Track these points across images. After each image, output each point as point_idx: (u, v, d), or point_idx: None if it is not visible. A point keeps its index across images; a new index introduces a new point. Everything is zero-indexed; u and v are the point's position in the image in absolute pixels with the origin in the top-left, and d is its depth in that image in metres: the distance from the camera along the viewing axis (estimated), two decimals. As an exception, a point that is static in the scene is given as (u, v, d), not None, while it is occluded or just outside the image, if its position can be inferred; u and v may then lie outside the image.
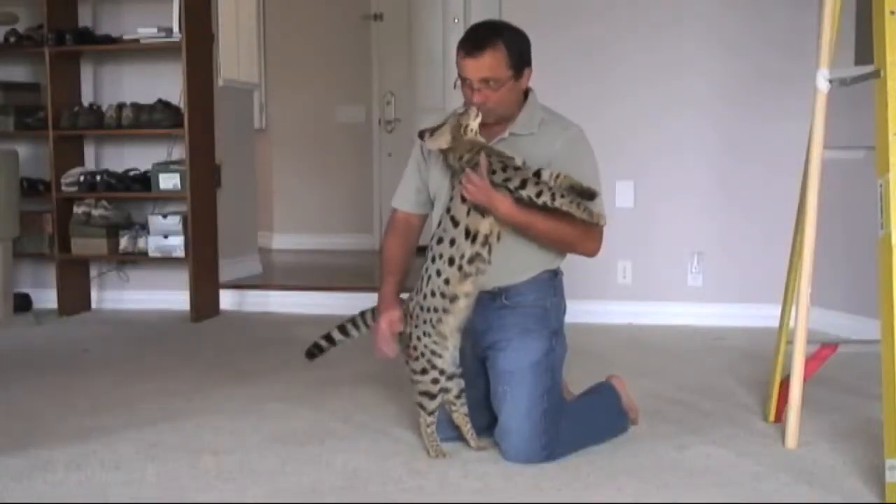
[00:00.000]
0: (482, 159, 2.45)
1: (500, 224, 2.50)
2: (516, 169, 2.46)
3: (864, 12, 3.37)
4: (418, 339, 2.56)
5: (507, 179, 2.45)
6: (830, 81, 2.64)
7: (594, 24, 4.63)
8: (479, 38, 2.53)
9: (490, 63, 2.51)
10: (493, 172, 2.45)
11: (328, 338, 2.75)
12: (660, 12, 4.57)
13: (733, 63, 4.52)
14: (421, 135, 2.59)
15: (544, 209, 2.46)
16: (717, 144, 4.57)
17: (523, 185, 2.44)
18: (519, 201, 2.46)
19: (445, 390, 2.59)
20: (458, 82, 2.58)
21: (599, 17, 4.62)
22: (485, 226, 2.49)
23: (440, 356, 2.55)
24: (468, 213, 2.49)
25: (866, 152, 2.58)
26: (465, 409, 2.63)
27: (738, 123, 4.53)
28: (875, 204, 2.36)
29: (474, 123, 2.49)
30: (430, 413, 2.60)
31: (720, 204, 4.58)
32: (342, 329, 2.75)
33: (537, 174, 2.46)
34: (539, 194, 2.43)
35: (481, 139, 2.52)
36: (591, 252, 2.63)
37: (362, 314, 2.73)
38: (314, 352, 2.78)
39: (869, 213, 2.44)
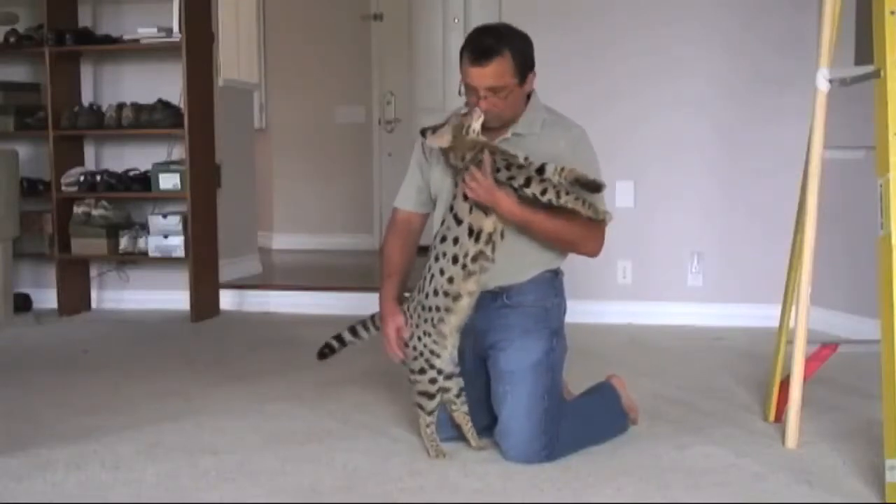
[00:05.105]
0: (486, 157, 2.45)
1: (504, 222, 2.50)
2: (520, 167, 2.46)
3: (864, 12, 3.37)
4: (418, 338, 2.56)
5: (512, 177, 2.45)
6: (830, 81, 2.64)
7: (594, 24, 4.63)
8: (486, 47, 2.50)
9: (496, 72, 2.50)
10: (498, 171, 2.45)
11: (339, 338, 2.76)
12: (660, 13, 4.57)
13: (733, 63, 4.52)
14: (423, 132, 2.59)
15: (548, 207, 2.46)
16: (717, 144, 4.57)
17: (528, 182, 2.44)
18: (523, 199, 2.46)
19: (444, 390, 2.59)
20: (462, 88, 2.57)
21: (599, 18, 4.62)
22: (488, 224, 2.49)
23: (438, 356, 2.55)
24: (471, 210, 2.49)
25: (866, 152, 2.59)
26: (465, 408, 2.63)
27: (738, 123, 4.53)
28: (875, 204, 2.36)
29: (476, 124, 2.49)
30: (430, 413, 2.60)
31: (720, 204, 4.58)
32: (353, 331, 2.75)
33: (541, 170, 2.45)
34: (544, 192, 2.43)
35: (483, 138, 2.51)
36: (593, 252, 2.63)
37: (372, 317, 2.73)
38: (325, 352, 2.78)
39: (869, 213, 2.44)
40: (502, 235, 2.52)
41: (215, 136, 5.00)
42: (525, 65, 2.56)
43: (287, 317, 4.89)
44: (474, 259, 2.49)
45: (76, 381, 3.60)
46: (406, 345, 2.60)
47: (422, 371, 2.57)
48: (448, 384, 2.59)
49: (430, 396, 2.59)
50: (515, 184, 2.45)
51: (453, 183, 2.57)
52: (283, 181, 7.28)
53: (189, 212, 4.75)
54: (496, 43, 2.51)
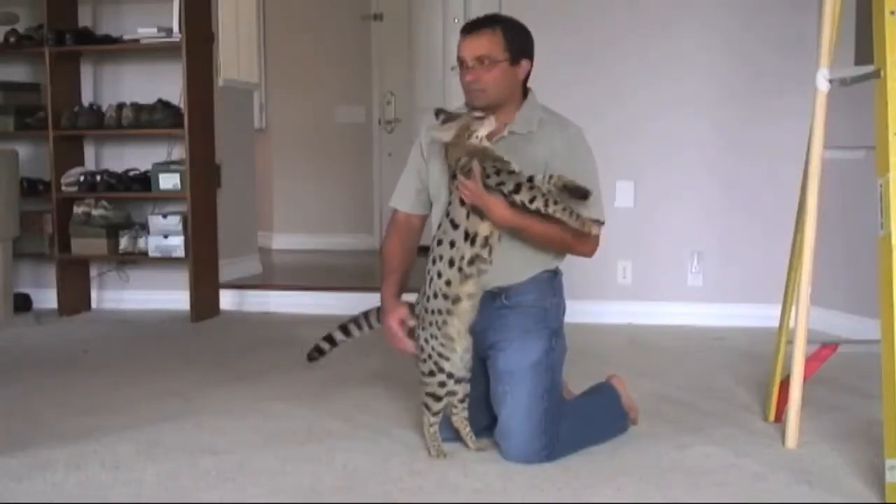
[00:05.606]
0: (475, 166, 2.45)
1: (497, 227, 2.50)
2: (510, 173, 2.46)
3: (864, 12, 3.37)
4: (426, 341, 2.56)
5: (501, 183, 2.45)
6: (830, 81, 2.64)
7: (594, 24, 4.63)
8: (479, 20, 2.63)
9: (486, 43, 2.57)
10: (488, 177, 2.45)
11: (329, 339, 2.76)
12: (659, 12, 4.57)
13: (733, 63, 4.52)
14: (437, 113, 2.60)
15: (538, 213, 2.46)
16: (717, 144, 4.57)
17: (517, 189, 2.44)
18: (513, 205, 2.46)
19: (452, 393, 2.59)
20: (458, 69, 2.63)
21: (599, 18, 4.63)
22: (484, 228, 2.49)
23: (447, 359, 2.55)
24: (468, 215, 2.49)
25: (866, 152, 2.59)
26: (465, 413, 2.63)
27: (738, 123, 4.53)
28: (875, 204, 2.36)
29: (482, 132, 2.48)
30: (434, 414, 2.60)
31: (720, 204, 4.58)
32: (344, 329, 2.75)
33: (531, 179, 2.47)
34: (532, 200, 2.43)
35: (483, 145, 2.49)
36: (588, 253, 2.63)
37: (365, 314, 2.73)
38: (314, 355, 2.78)
39: (869, 213, 2.44)
40: (499, 238, 2.52)
41: (215, 136, 5.00)
42: (518, 48, 2.60)
43: (287, 317, 4.89)
44: (470, 262, 2.49)
45: (76, 381, 3.60)
46: (414, 337, 2.59)
47: (431, 374, 2.57)
48: (456, 388, 2.59)
49: (438, 399, 2.58)
50: (505, 189, 2.45)
51: (449, 188, 2.57)
52: (283, 181, 7.29)
53: (189, 212, 4.75)
54: (490, 18, 2.64)
